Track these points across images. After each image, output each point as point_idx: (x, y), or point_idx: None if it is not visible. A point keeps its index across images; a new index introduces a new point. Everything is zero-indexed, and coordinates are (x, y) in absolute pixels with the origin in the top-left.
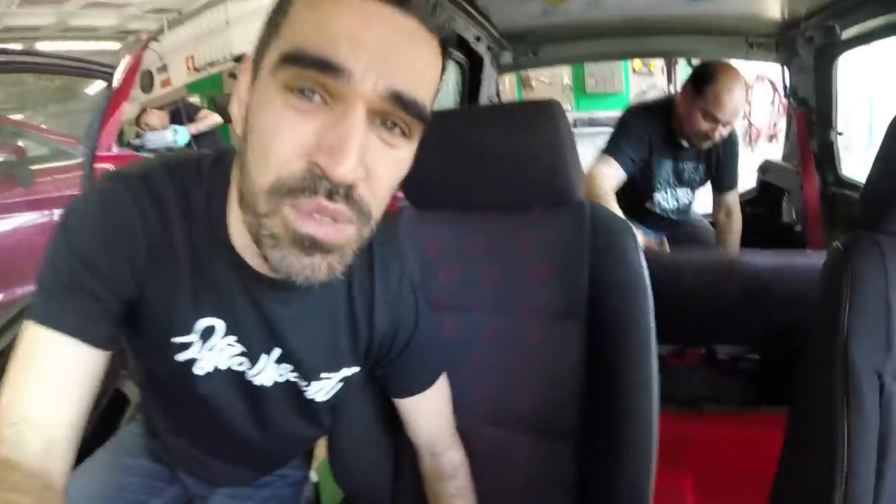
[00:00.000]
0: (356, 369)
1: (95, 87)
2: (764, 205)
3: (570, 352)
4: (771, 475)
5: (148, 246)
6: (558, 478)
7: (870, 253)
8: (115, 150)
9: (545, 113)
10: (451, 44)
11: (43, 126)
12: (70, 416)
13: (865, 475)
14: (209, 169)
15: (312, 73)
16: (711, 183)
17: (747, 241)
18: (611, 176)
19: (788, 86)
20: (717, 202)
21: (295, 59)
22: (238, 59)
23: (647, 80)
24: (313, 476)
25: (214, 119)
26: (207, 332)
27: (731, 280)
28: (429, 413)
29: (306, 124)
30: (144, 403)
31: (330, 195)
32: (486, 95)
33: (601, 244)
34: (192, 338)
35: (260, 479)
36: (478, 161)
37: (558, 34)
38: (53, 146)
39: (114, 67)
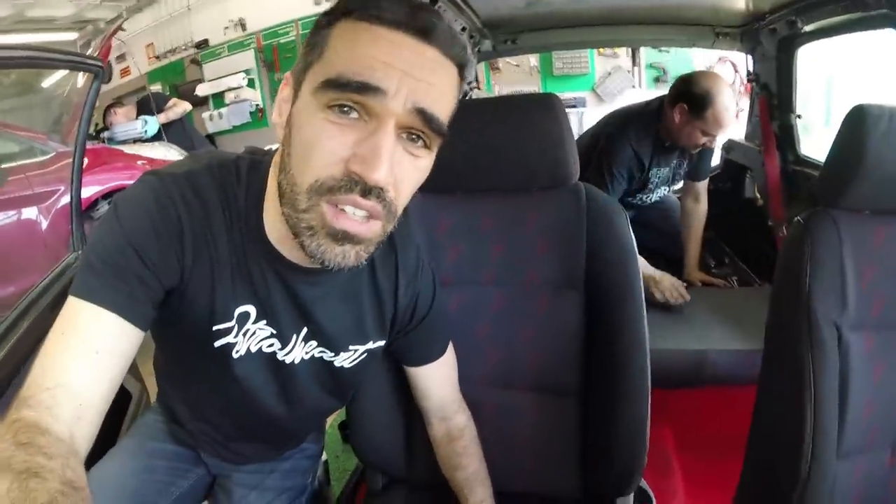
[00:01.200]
0: (381, 343)
1: (51, 79)
2: (728, 181)
3: (570, 317)
4: (744, 427)
5: (193, 240)
6: (563, 430)
7: (827, 226)
8: (87, 143)
9: (546, 105)
10: (467, 68)
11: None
12: (103, 385)
13: (830, 407)
14: (247, 171)
15: (352, 93)
16: (686, 172)
17: (712, 215)
18: None
19: (752, 72)
20: (688, 189)
21: (337, 84)
22: (199, 45)
23: (612, 61)
24: (323, 455)
25: (184, 106)
26: (243, 318)
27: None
28: (439, 380)
29: (344, 136)
30: (164, 394)
31: (364, 194)
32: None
33: (596, 222)
34: (231, 324)
35: (281, 454)
36: (484, 148)
37: (538, 23)
38: (22, 142)
39: (101, 60)
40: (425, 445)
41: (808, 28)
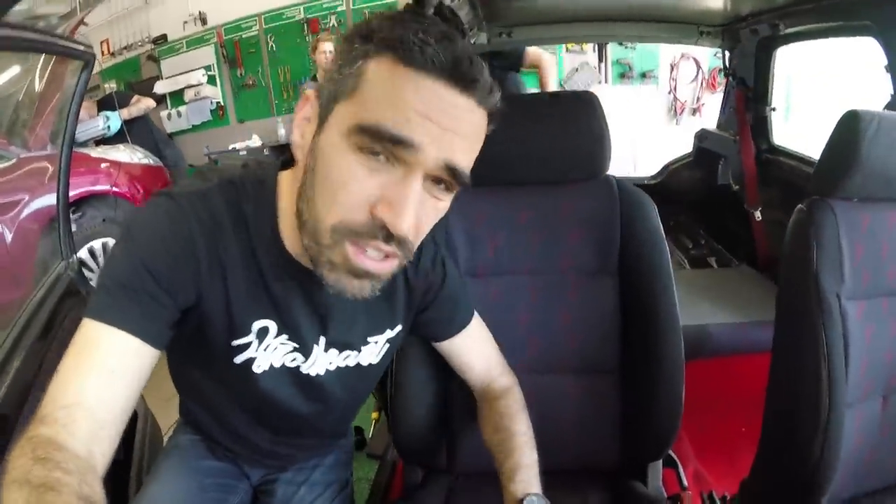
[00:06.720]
0: (399, 328)
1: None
2: (701, 169)
3: (607, 301)
4: (743, 392)
5: (208, 258)
6: (604, 405)
7: (826, 212)
8: (50, 148)
9: (586, 103)
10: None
11: None
12: (119, 404)
13: (839, 364)
14: (253, 187)
15: (386, 143)
16: None
17: (687, 201)
18: None
19: (730, 67)
20: None
21: (372, 133)
22: (157, 40)
23: (580, 57)
24: None
25: (147, 103)
26: (262, 333)
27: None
28: (473, 349)
29: (372, 180)
30: (192, 414)
31: (386, 240)
32: None
33: (628, 211)
34: (250, 338)
35: (321, 451)
36: (524, 143)
37: (534, 18)
38: None
39: (91, 46)
40: (465, 436)
41: (788, 31)
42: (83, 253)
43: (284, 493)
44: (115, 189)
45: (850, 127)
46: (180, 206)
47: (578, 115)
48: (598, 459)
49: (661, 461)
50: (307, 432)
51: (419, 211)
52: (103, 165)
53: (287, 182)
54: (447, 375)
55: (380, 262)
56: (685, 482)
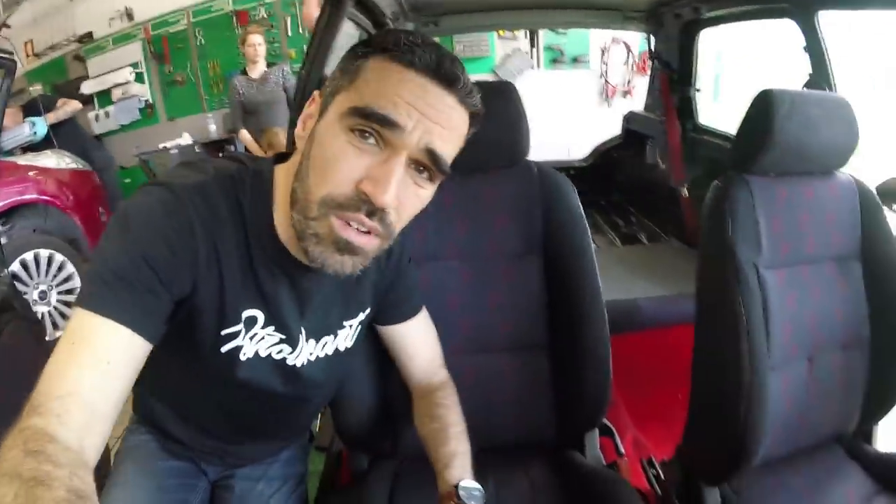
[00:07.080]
0: (368, 311)
1: None
2: (629, 148)
3: (533, 280)
4: (674, 361)
5: (205, 249)
6: (538, 381)
7: (741, 187)
8: None
9: (503, 91)
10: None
11: None
12: (113, 396)
13: (759, 331)
14: (251, 179)
15: (374, 123)
16: None
17: (617, 180)
18: None
19: (655, 51)
20: None
21: (363, 113)
22: (83, 39)
23: (512, 44)
24: None
25: (73, 105)
26: (250, 322)
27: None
28: (420, 338)
29: (360, 159)
30: (152, 413)
31: (369, 214)
32: None
33: (548, 194)
34: (239, 327)
35: (279, 449)
36: None
37: (460, 6)
38: None
39: (12, 52)
40: (409, 421)
41: (710, 14)
42: (15, 266)
43: (242, 488)
44: (43, 197)
45: (764, 106)
46: (178, 198)
47: (496, 104)
48: (538, 433)
49: (597, 430)
50: (277, 424)
51: (401, 192)
52: (31, 173)
53: (283, 174)
54: (388, 362)
55: (363, 237)
56: (621, 449)
